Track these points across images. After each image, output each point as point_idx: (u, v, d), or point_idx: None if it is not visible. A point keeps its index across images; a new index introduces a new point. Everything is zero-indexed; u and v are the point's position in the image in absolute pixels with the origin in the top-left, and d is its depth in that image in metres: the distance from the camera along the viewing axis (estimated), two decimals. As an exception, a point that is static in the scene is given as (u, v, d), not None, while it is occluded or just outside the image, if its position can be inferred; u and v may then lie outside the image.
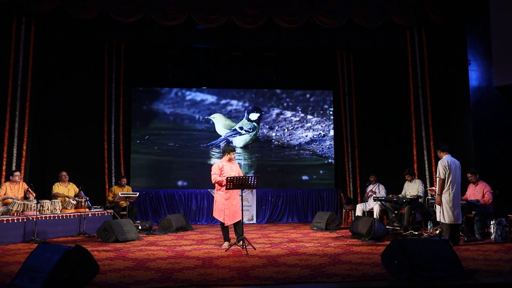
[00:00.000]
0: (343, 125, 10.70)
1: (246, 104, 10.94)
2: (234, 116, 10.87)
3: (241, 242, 5.93)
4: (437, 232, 6.88)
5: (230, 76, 10.86)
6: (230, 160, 6.46)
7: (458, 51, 8.38)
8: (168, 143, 10.65)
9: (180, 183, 10.53)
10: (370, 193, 8.87)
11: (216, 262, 5.06)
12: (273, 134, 10.92)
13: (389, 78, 10.48)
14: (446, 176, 6.23)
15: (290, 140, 10.93)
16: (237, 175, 6.18)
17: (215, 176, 6.30)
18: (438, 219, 6.39)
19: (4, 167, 8.15)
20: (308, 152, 10.92)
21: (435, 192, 7.17)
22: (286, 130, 10.96)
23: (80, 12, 8.10)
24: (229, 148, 6.48)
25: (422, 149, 9.17)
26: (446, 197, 6.23)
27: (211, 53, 10.62)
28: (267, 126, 10.93)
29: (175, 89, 10.78)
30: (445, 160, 6.32)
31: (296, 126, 10.97)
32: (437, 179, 6.35)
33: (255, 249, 5.91)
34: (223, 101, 10.89)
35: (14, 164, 8.26)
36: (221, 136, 10.73)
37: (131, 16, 8.24)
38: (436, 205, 6.39)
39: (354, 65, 10.83)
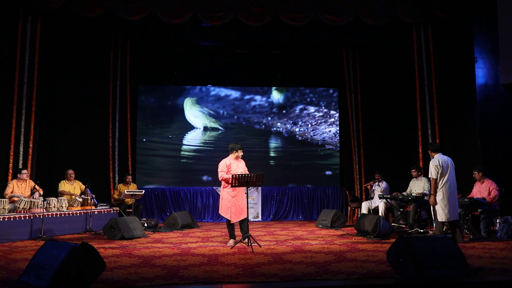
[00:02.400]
0: (350, 123, 10.66)
1: (270, 100, 10.99)
2: (258, 112, 10.91)
3: (246, 239, 5.94)
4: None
5: (235, 74, 10.87)
6: (237, 158, 6.47)
7: (464, 49, 8.33)
8: (175, 140, 10.69)
9: (205, 177, 10.60)
10: (373, 186, 8.85)
11: (222, 259, 5.08)
12: (297, 129, 10.96)
13: (395, 75, 10.44)
14: (438, 175, 6.23)
15: (314, 135, 10.96)
16: (243, 173, 6.19)
17: (222, 174, 6.31)
18: (433, 219, 6.41)
19: (11, 165, 8.21)
20: (332, 147, 11.01)
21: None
22: (309, 125, 10.99)
23: (85, 11, 8.13)
24: (236, 146, 6.48)
25: (427, 148, 9.12)
26: (439, 195, 6.23)
27: (216, 51, 10.62)
28: (291, 122, 10.96)
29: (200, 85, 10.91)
30: (437, 159, 6.32)
31: (319, 121, 11.02)
32: (430, 179, 6.37)
33: (260, 246, 5.92)
34: (247, 97, 10.93)
35: (20, 162, 8.31)
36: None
37: (136, 14, 8.25)
38: (432, 206, 6.39)
39: (360, 62, 10.79)
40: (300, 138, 10.97)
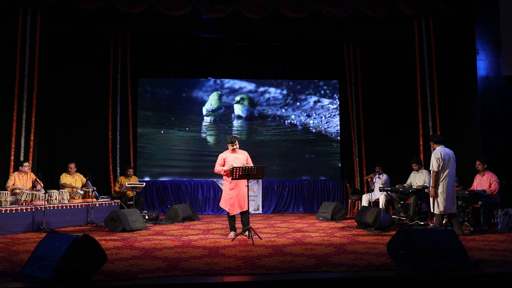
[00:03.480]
0: (350, 115, 10.65)
1: (284, 92, 11.01)
2: (272, 104, 10.93)
3: (247, 232, 5.96)
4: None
5: (236, 66, 10.84)
6: (233, 150, 6.46)
7: (466, 41, 8.29)
8: (177, 132, 10.69)
9: (207, 170, 10.51)
10: (373, 179, 8.85)
11: (222, 251, 5.10)
12: (311, 121, 10.96)
13: (396, 68, 10.40)
14: (440, 168, 6.21)
15: (328, 127, 10.97)
16: (241, 165, 6.15)
17: (216, 167, 6.39)
18: (432, 211, 6.40)
19: (12, 157, 8.23)
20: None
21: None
22: (323, 117, 10.99)
23: (85, 3, 8.12)
24: (229, 139, 6.47)
25: (429, 139, 9.11)
26: (439, 188, 6.22)
27: (217, 43, 10.58)
28: (305, 114, 10.97)
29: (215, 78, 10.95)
30: (438, 152, 6.28)
31: (333, 113, 11.02)
32: (431, 171, 6.32)
33: (261, 238, 5.93)
34: (261, 89, 10.95)
35: (22, 155, 8.33)
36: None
37: (136, 6, 8.22)
38: (431, 197, 6.37)
39: (360, 55, 10.75)
40: (314, 130, 10.97)
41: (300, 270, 4.12)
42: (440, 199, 6.18)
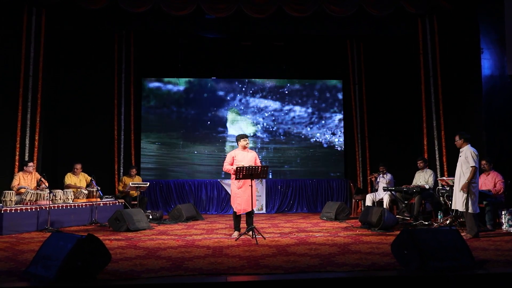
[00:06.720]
0: (353, 115, 10.63)
1: (310, 111, 10.94)
2: (298, 123, 10.89)
3: (251, 231, 5.96)
4: (448, 222, 6.85)
5: (239, 66, 10.84)
6: (244, 148, 6.46)
7: (470, 39, 8.25)
8: (180, 133, 10.71)
9: (210, 170, 10.57)
10: (377, 179, 8.83)
11: (226, 251, 5.10)
12: (336, 140, 10.91)
13: (400, 67, 10.36)
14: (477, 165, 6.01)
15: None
16: (249, 165, 6.14)
17: (225, 165, 6.40)
18: (461, 209, 6.05)
19: (17, 157, 8.27)
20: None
21: (446, 182, 7.10)
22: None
23: (89, 3, 8.14)
24: (239, 136, 6.50)
25: (433, 139, 9.09)
26: (475, 187, 6.03)
27: (220, 43, 10.59)
28: (330, 132, 10.93)
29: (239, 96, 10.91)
30: (474, 149, 6.10)
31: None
32: (470, 167, 5.96)
33: (264, 238, 5.93)
34: (287, 108, 10.91)
35: (26, 154, 8.36)
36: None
37: (140, 6, 8.24)
38: (457, 194, 6.10)
39: (364, 54, 10.73)
40: (339, 148, 10.92)
41: (304, 270, 4.11)
42: (473, 198, 5.99)
